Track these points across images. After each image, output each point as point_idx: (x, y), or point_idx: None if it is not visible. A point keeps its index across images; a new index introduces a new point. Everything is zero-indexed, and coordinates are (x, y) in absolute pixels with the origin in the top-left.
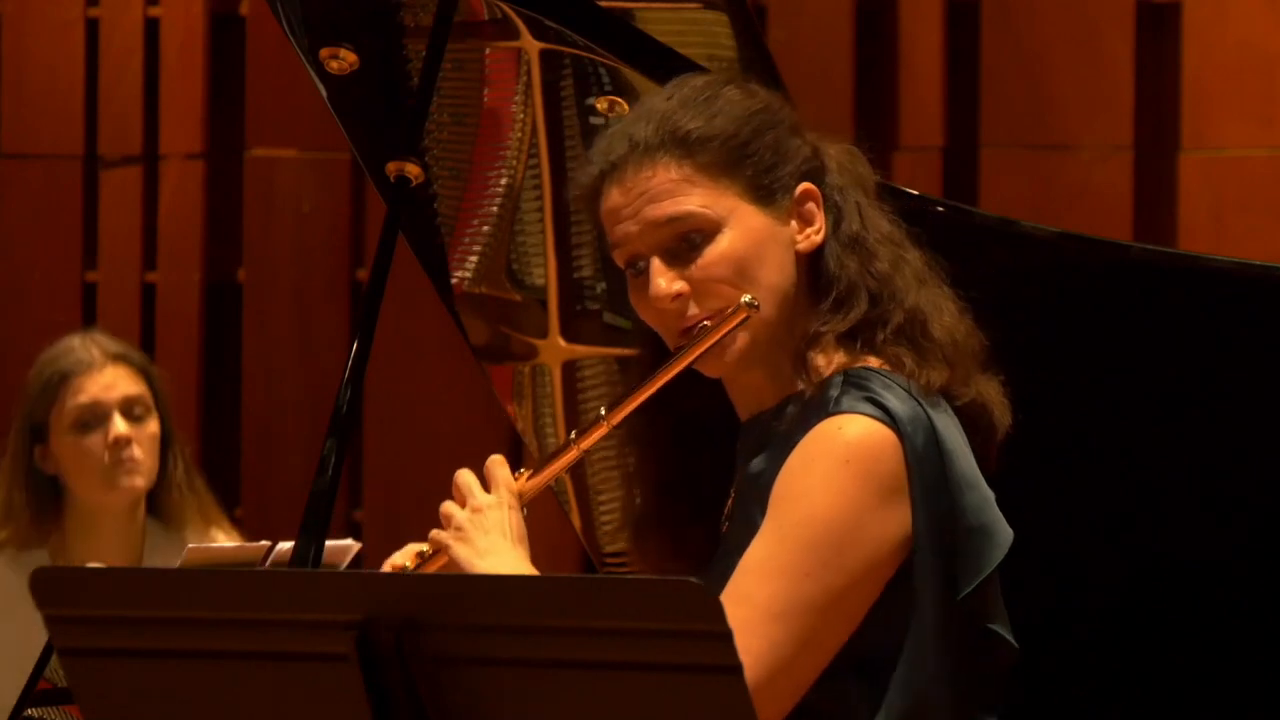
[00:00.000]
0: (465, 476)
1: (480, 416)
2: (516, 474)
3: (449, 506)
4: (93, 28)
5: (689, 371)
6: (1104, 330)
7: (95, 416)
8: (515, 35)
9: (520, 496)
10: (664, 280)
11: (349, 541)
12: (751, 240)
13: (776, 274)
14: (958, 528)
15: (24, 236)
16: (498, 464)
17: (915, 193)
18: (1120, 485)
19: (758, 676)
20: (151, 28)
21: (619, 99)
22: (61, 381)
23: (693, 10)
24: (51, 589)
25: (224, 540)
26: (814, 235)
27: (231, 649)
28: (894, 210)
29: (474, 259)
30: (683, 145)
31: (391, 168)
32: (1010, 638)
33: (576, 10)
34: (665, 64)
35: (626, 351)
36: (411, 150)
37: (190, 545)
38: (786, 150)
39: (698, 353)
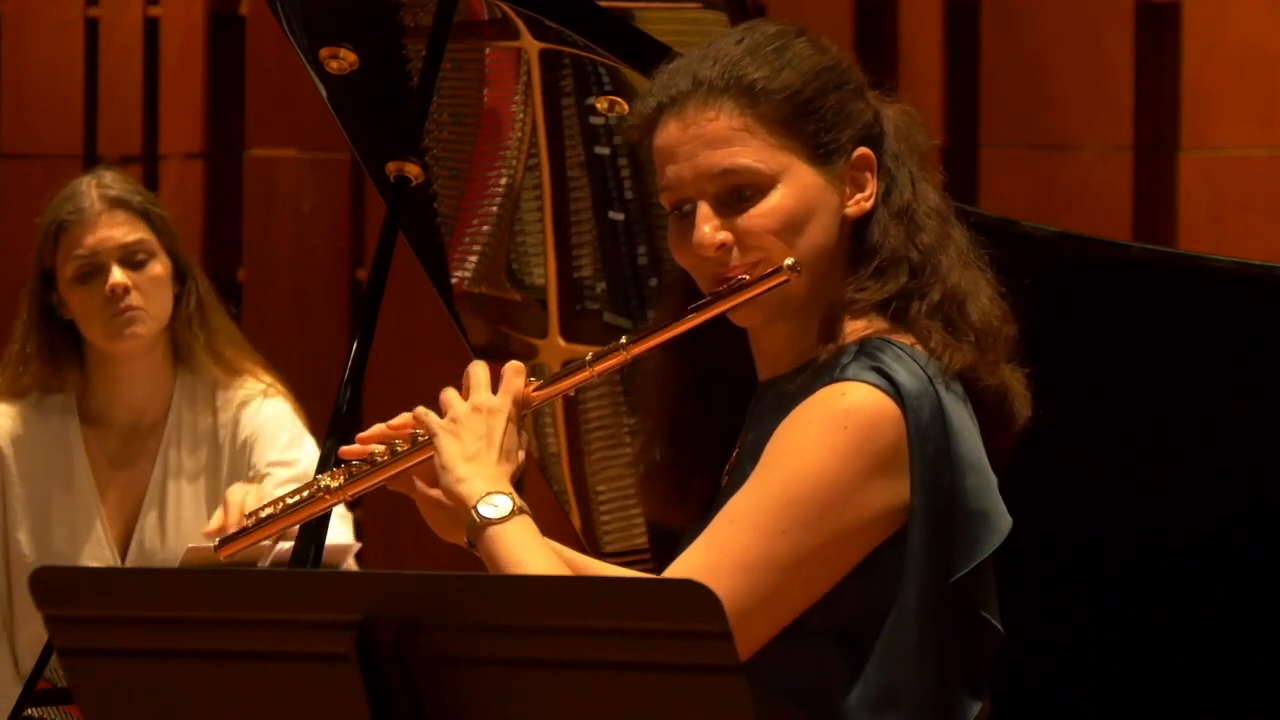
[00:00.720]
0: (479, 369)
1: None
2: (526, 382)
3: (450, 395)
4: (92, 28)
5: (717, 321)
6: (1104, 330)
7: (94, 267)
8: (515, 35)
9: (525, 405)
10: (709, 228)
11: (349, 541)
12: (802, 199)
13: (821, 235)
14: (956, 509)
15: (24, 236)
16: (514, 370)
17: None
18: (1120, 485)
19: None
20: (151, 27)
21: (619, 99)
22: (60, 232)
23: (693, 10)
24: (51, 589)
25: (251, 383)
26: (864, 202)
27: (231, 649)
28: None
29: (474, 259)
30: (748, 93)
31: (391, 168)
32: (998, 624)
33: (576, 10)
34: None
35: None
36: (411, 150)
37: (190, 545)
38: (849, 112)
39: (731, 304)
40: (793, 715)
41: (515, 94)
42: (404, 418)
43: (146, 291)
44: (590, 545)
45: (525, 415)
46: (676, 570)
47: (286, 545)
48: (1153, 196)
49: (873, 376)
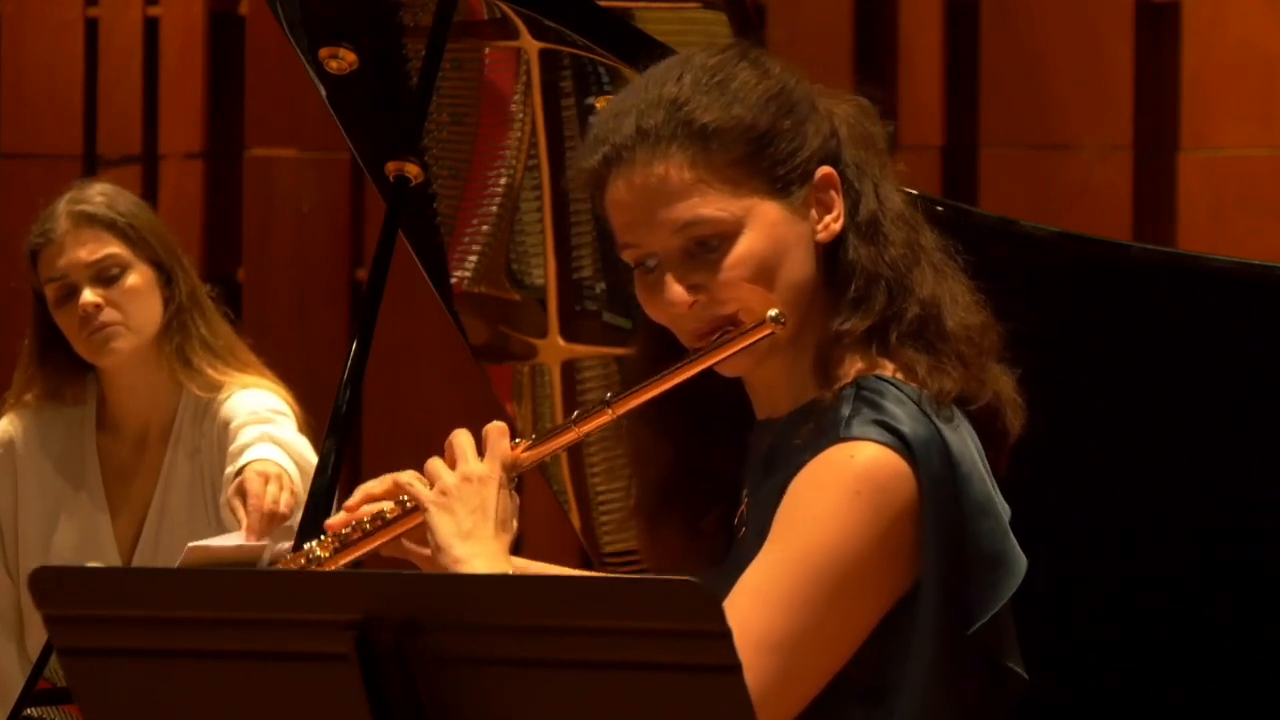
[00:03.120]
0: (462, 438)
1: (480, 416)
2: (513, 444)
3: (436, 465)
4: (92, 27)
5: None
6: (1103, 330)
7: (67, 289)
8: (514, 35)
9: (513, 468)
10: (679, 289)
11: None
12: (771, 238)
13: (798, 271)
14: (969, 555)
15: (24, 236)
16: (498, 432)
17: (915, 192)
18: (1119, 485)
19: None
20: (151, 27)
21: None
22: (35, 257)
23: (692, 10)
24: (50, 589)
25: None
26: (833, 224)
27: (231, 649)
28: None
29: (473, 259)
30: (698, 138)
31: (391, 167)
32: (1021, 670)
33: (576, 10)
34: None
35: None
36: (411, 150)
37: (190, 545)
38: (804, 135)
39: (716, 359)
40: None
41: (515, 94)
42: (385, 482)
43: (122, 305)
44: (590, 545)
45: (514, 479)
46: None
47: (286, 545)
48: (1152, 196)
49: (878, 433)
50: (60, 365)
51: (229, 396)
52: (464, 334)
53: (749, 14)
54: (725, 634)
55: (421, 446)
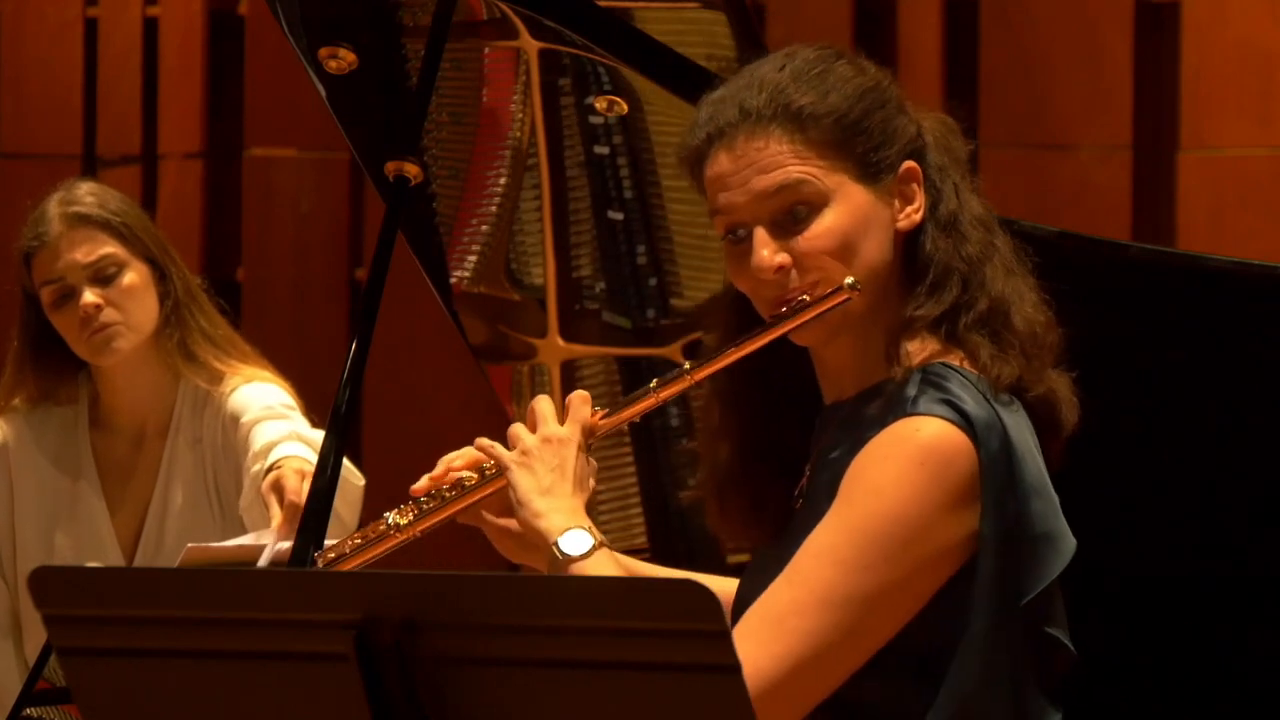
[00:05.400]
0: (543, 402)
1: (480, 416)
2: (592, 411)
3: (518, 429)
4: (91, 27)
5: (778, 341)
6: (1103, 330)
7: (65, 291)
8: (514, 35)
9: (591, 433)
10: (768, 251)
11: None
12: (856, 217)
13: (876, 252)
14: (1023, 534)
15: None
16: (580, 399)
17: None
18: (1119, 485)
19: (801, 657)
20: (150, 27)
21: (618, 98)
22: (29, 259)
23: (691, 10)
24: (50, 588)
25: (234, 379)
26: (914, 215)
27: (231, 649)
28: None
29: (473, 259)
30: (795, 119)
31: (390, 167)
32: (1068, 642)
33: (575, 10)
34: (663, 63)
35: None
36: (410, 150)
37: (190, 545)
38: (894, 129)
39: (793, 325)
40: None
41: (514, 94)
42: (466, 453)
43: (121, 304)
44: None
45: (593, 444)
46: (761, 607)
47: (286, 545)
48: (1152, 196)
49: (944, 410)
50: (54, 366)
51: (233, 389)
52: (464, 334)
53: (748, 14)
54: (724, 634)
55: (421, 446)
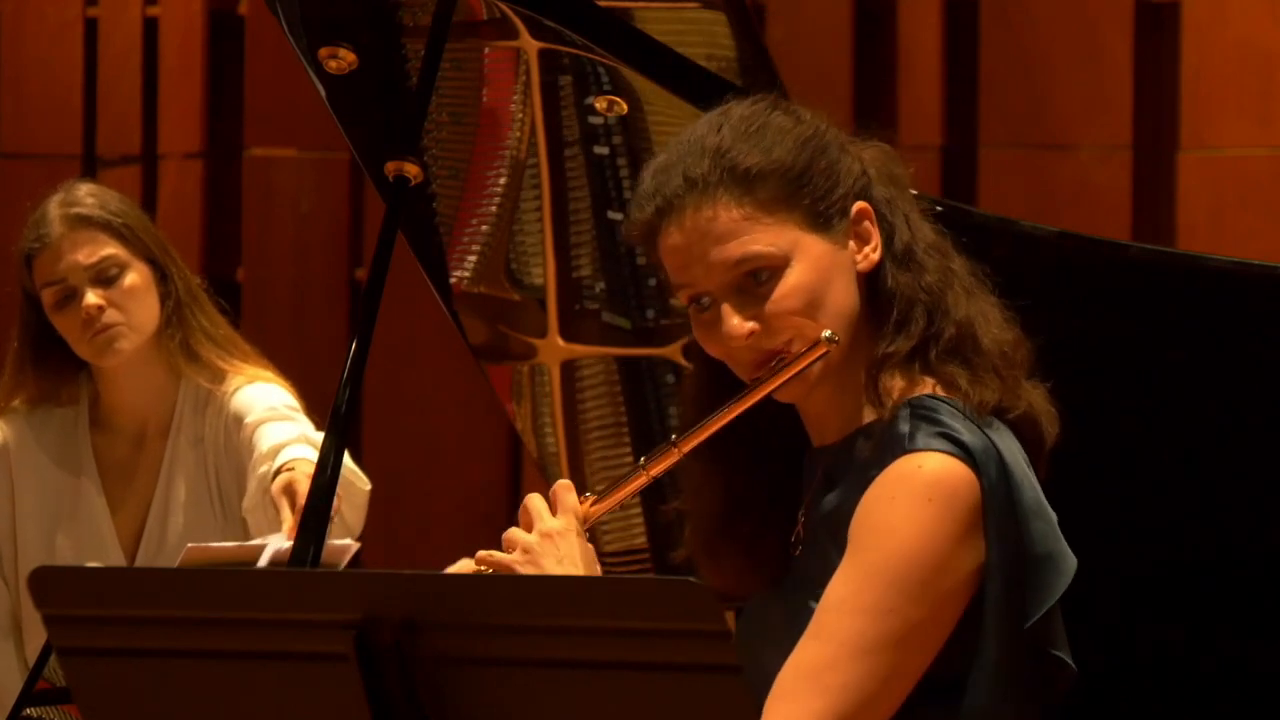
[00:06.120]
0: (534, 501)
1: (480, 416)
2: (582, 499)
3: (515, 532)
4: (91, 27)
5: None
6: (1103, 330)
7: (67, 292)
8: (514, 35)
9: (585, 521)
10: (737, 320)
11: (348, 541)
12: (819, 269)
13: (844, 299)
14: (1025, 556)
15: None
16: (565, 489)
17: (915, 192)
18: (1119, 485)
19: (844, 712)
20: (150, 27)
21: (618, 98)
22: (30, 261)
23: (691, 10)
24: (50, 588)
25: (237, 379)
26: (872, 254)
27: (231, 649)
28: None
29: (473, 259)
30: (741, 182)
31: (390, 167)
32: (1070, 661)
33: (575, 10)
34: (663, 63)
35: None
36: (410, 150)
37: (190, 545)
38: (839, 173)
39: (775, 385)
40: None
41: (514, 94)
42: (464, 564)
43: (123, 305)
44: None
45: (587, 530)
46: (793, 667)
47: (286, 545)
48: (1152, 196)
49: (942, 443)
50: (55, 367)
51: (236, 389)
52: (464, 334)
53: (748, 14)
54: (725, 634)
55: (421, 446)
